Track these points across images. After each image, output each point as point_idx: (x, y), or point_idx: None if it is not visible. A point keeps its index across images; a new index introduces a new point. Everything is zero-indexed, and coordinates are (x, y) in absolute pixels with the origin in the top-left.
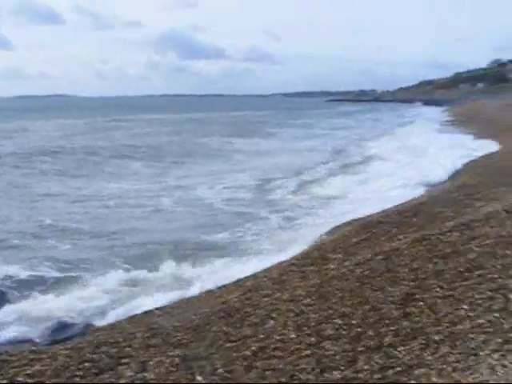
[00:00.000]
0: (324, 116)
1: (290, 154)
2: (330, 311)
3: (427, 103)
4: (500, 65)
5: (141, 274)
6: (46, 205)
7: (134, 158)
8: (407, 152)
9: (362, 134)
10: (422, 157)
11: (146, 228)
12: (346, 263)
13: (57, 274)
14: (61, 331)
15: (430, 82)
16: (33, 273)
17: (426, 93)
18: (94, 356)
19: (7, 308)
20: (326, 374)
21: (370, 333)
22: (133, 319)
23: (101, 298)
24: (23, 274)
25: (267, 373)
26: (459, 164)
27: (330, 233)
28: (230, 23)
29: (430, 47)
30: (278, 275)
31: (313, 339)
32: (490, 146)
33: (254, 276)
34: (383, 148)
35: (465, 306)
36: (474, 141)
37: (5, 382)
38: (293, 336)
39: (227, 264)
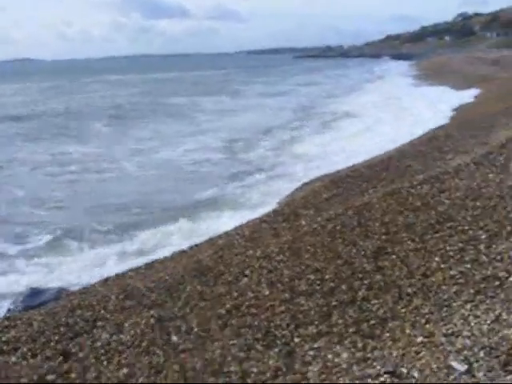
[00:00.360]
0: (291, 73)
1: (256, 113)
2: (303, 267)
3: (395, 57)
4: (466, 18)
5: (113, 238)
6: (12, 173)
7: (96, 120)
8: (385, 108)
9: (331, 91)
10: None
11: (113, 193)
12: (318, 219)
13: (32, 242)
14: (35, 297)
15: (396, 37)
16: (7, 240)
17: (393, 47)
18: (69, 320)
19: None
20: (300, 330)
21: (343, 287)
22: (106, 282)
23: (74, 262)
24: None
25: (242, 330)
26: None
27: (300, 189)
28: None
29: (395, 1)
30: (250, 232)
31: (287, 295)
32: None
33: (226, 234)
34: (355, 104)
35: (436, 258)
36: (449, 93)
37: None
38: (267, 293)
39: (200, 222)
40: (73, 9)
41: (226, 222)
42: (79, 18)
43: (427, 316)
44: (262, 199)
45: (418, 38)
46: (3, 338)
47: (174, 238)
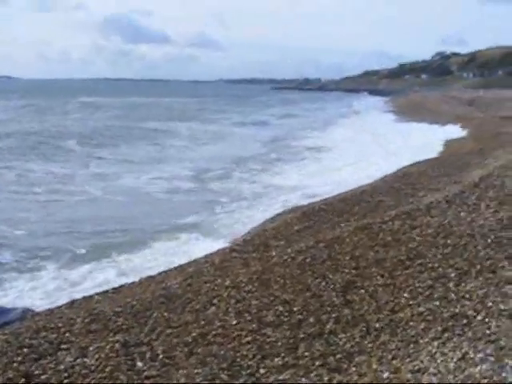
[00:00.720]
0: (268, 104)
1: (229, 142)
2: (272, 298)
3: (372, 93)
4: (443, 57)
5: (80, 261)
6: None
7: (66, 141)
8: (359, 143)
9: (306, 123)
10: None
11: (82, 216)
12: (288, 250)
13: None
14: None
15: (374, 72)
16: None
17: (371, 82)
18: (33, 341)
19: None
20: (266, 361)
21: (311, 320)
22: (73, 304)
23: (41, 284)
24: None
25: (208, 359)
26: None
27: (272, 220)
28: (174, 8)
29: (376, 37)
30: (220, 261)
31: (254, 326)
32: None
33: (196, 261)
34: (330, 138)
35: (405, 295)
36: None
37: None
38: (234, 322)
39: (169, 250)
40: (53, 29)
41: (195, 249)
42: (59, 38)
43: (394, 352)
44: (232, 228)
45: (396, 75)
46: None
47: (143, 263)
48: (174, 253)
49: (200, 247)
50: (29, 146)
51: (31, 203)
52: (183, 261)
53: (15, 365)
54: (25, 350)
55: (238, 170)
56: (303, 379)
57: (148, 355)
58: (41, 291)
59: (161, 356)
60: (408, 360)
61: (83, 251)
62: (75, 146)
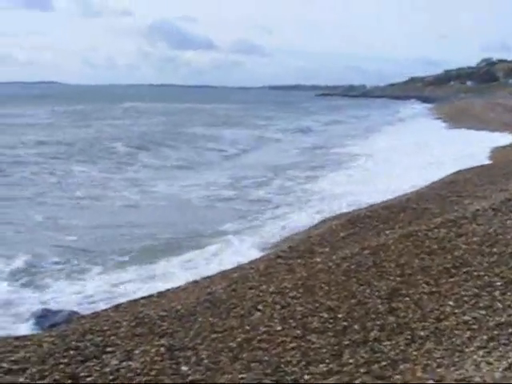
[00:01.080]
0: (312, 110)
1: (272, 149)
2: (316, 304)
3: (418, 100)
4: (489, 64)
5: (127, 265)
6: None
7: (108, 146)
8: (406, 150)
9: (351, 131)
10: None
11: (126, 220)
12: (333, 257)
13: (46, 264)
14: (46, 318)
15: (420, 79)
16: (21, 263)
17: (416, 89)
18: (80, 344)
19: None
20: (311, 367)
21: (356, 327)
22: (118, 308)
23: (87, 287)
24: (12, 262)
25: (252, 364)
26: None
27: (317, 226)
28: (219, 14)
29: (419, 44)
30: (265, 267)
31: (299, 332)
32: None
33: (241, 267)
34: (375, 145)
35: (451, 303)
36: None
37: None
38: (279, 328)
39: (215, 254)
40: (98, 35)
41: (240, 255)
42: (105, 44)
43: (439, 360)
44: (276, 235)
45: (441, 82)
46: (12, 358)
47: (188, 268)
48: (218, 258)
49: (241, 254)
50: (72, 150)
51: (73, 208)
52: (227, 267)
53: (61, 366)
54: (71, 352)
55: (280, 177)
56: None
57: (193, 359)
58: (86, 294)
59: (206, 360)
60: (453, 369)
61: (128, 256)
62: (119, 149)
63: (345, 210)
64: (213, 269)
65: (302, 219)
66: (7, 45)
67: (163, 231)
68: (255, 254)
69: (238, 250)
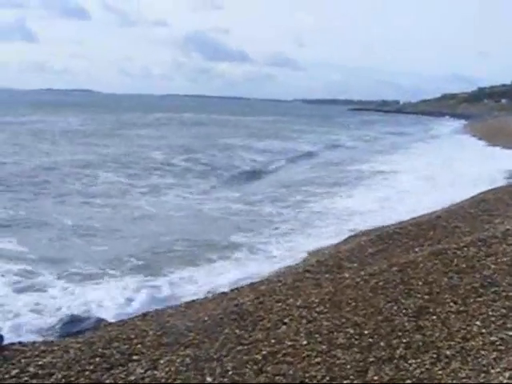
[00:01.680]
0: (345, 125)
1: (302, 165)
2: (343, 320)
3: (452, 117)
4: None
5: (155, 274)
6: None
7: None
8: (436, 167)
9: (381, 147)
10: None
11: (149, 229)
12: (361, 273)
13: (75, 271)
14: (73, 325)
15: (453, 96)
16: (51, 268)
17: (449, 106)
18: (106, 351)
19: (23, 299)
20: (335, 383)
21: (382, 344)
22: (145, 317)
23: (115, 294)
24: (40, 267)
25: (277, 378)
26: None
27: (346, 242)
28: (254, 27)
29: (453, 60)
30: (293, 281)
31: (324, 347)
32: None
33: (268, 280)
34: (407, 162)
35: (478, 323)
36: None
37: (16, 371)
38: (304, 342)
39: (240, 267)
40: (134, 45)
41: (264, 268)
42: (140, 53)
43: (464, 380)
44: (300, 252)
45: (475, 99)
46: (39, 362)
47: (216, 279)
48: (245, 269)
49: (268, 265)
50: (100, 159)
51: (95, 216)
52: (254, 279)
53: (87, 373)
54: (97, 359)
55: (299, 193)
56: None
57: (218, 371)
58: (113, 301)
59: (230, 372)
60: None
61: (154, 265)
62: (158, 156)
63: (366, 227)
64: (239, 280)
65: (324, 235)
66: (44, 53)
67: (188, 241)
68: (278, 266)
69: (261, 262)
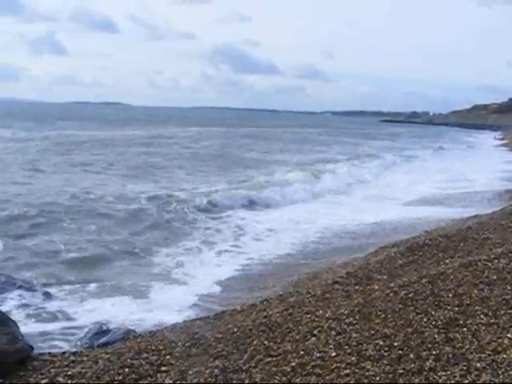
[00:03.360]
0: (375, 137)
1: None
2: (372, 332)
3: (482, 128)
4: None
5: (181, 284)
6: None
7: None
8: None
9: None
10: None
11: None
12: (391, 284)
13: (104, 282)
14: (103, 335)
15: (483, 107)
16: (78, 276)
17: (480, 117)
18: (134, 362)
19: (51, 308)
20: None
21: (412, 356)
22: (174, 328)
23: (145, 306)
24: (69, 277)
25: None
26: None
27: (375, 253)
28: (282, 39)
29: (483, 71)
30: (322, 293)
31: (353, 358)
32: None
33: (298, 292)
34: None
35: (509, 335)
36: None
37: (46, 381)
38: (333, 354)
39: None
40: (163, 58)
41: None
42: (168, 66)
43: None
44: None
45: (506, 110)
46: (69, 373)
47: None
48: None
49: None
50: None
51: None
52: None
53: (116, 383)
54: (126, 369)
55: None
56: None
57: (246, 382)
58: (143, 312)
59: None
60: None
61: (181, 277)
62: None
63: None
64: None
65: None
66: (74, 66)
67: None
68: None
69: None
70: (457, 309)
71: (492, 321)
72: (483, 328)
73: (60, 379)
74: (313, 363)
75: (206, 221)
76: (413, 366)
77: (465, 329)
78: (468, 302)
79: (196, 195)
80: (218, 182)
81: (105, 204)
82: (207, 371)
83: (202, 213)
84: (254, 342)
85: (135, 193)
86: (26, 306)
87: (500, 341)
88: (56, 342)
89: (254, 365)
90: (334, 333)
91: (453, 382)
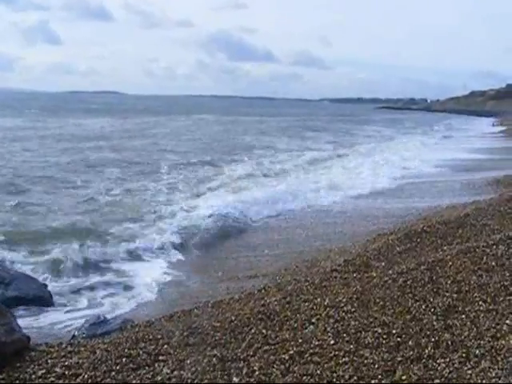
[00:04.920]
0: (369, 123)
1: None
2: (371, 319)
3: (480, 115)
4: None
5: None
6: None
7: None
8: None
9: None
10: None
11: None
12: (389, 272)
13: (104, 274)
14: (100, 326)
15: (481, 93)
16: (71, 267)
17: (477, 104)
18: (132, 352)
19: (48, 299)
20: (363, 382)
21: (410, 343)
22: (172, 317)
23: (141, 296)
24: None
25: (304, 378)
26: None
27: (373, 241)
28: (278, 26)
29: (481, 57)
30: (320, 281)
31: (352, 346)
32: None
33: (296, 280)
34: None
35: (508, 321)
36: None
37: (43, 371)
38: (332, 342)
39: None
40: (158, 46)
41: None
42: (164, 55)
43: (494, 380)
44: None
45: (504, 96)
46: (66, 363)
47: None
48: None
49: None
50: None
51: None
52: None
53: (113, 373)
54: (123, 359)
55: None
56: None
57: (244, 371)
58: (139, 302)
59: (257, 372)
60: None
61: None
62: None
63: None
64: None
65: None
66: (68, 55)
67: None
68: None
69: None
70: (455, 295)
71: (491, 307)
72: (482, 315)
73: (57, 370)
74: (311, 351)
75: None
76: (411, 353)
77: (464, 316)
78: (467, 288)
79: None
80: None
81: None
82: (205, 360)
83: None
84: (252, 331)
85: None
86: (22, 296)
87: (499, 327)
88: (53, 332)
89: (252, 353)
90: (332, 321)
91: (452, 369)
